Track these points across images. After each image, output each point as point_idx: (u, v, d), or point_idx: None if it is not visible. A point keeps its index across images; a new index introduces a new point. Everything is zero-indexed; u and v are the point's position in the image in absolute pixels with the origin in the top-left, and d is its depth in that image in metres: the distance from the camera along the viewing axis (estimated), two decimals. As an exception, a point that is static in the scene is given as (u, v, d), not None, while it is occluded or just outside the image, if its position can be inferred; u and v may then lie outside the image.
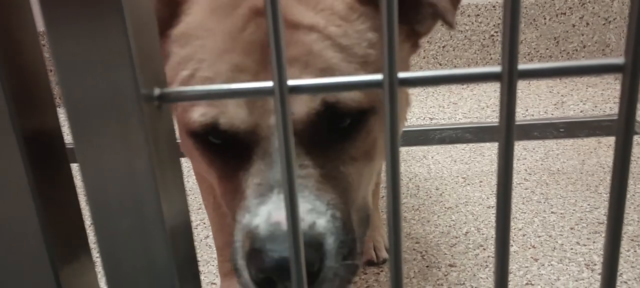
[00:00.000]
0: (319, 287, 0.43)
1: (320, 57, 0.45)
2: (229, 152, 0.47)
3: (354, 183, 0.49)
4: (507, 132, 0.21)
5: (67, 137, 0.26)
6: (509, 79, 0.20)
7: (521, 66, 0.20)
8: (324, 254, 0.43)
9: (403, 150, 1.50)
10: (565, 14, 2.17)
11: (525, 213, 1.08)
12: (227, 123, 0.45)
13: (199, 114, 0.45)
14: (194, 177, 1.40)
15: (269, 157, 0.45)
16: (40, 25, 0.26)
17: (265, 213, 0.43)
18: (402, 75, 0.20)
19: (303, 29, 0.45)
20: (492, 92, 1.89)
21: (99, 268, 0.32)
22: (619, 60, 0.20)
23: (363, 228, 0.51)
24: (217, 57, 0.45)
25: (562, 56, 2.20)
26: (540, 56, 2.20)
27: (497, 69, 0.20)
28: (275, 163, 0.44)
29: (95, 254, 0.33)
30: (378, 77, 0.21)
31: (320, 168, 0.46)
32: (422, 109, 1.84)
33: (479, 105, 1.79)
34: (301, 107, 0.44)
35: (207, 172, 0.54)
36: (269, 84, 0.22)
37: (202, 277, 0.93)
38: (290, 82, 0.21)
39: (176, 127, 0.72)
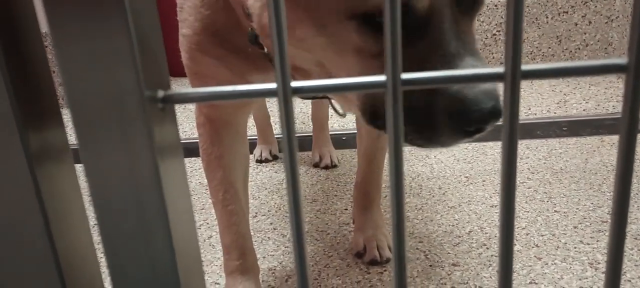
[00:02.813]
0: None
1: None
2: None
3: None
4: (510, 132, 0.21)
5: (71, 138, 0.26)
6: (512, 80, 0.20)
7: (524, 66, 0.20)
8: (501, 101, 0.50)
9: (406, 149, 1.50)
10: (567, 12, 2.16)
11: (528, 212, 1.08)
12: (419, 3, 0.49)
13: None
14: (195, 179, 1.40)
15: (444, 31, 0.50)
16: (43, 26, 0.26)
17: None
18: (405, 76, 0.20)
19: None
20: (494, 90, 1.89)
21: (104, 268, 0.32)
22: (622, 59, 0.20)
23: None
24: None
25: (564, 55, 2.19)
26: (543, 55, 2.20)
27: (500, 69, 0.20)
28: (449, 34, 0.50)
29: (100, 254, 0.33)
30: (381, 78, 0.21)
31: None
32: (425, 108, 1.83)
33: (482, 104, 1.79)
34: None
35: (355, 52, 0.56)
36: (273, 85, 0.22)
37: (205, 277, 0.94)
38: (293, 84, 0.21)
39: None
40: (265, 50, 0.63)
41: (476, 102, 0.49)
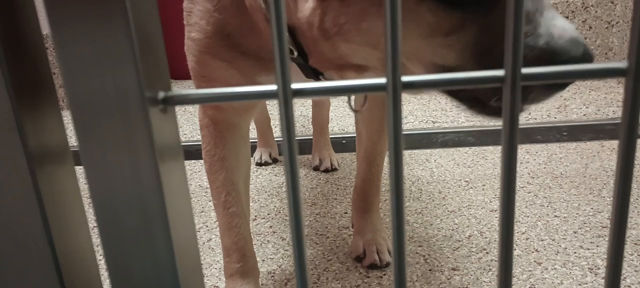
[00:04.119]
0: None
1: None
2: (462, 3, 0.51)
3: None
4: (510, 136, 0.21)
5: (72, 140, 0.26)
6: (512, 83, 0.20)
7: (525, 70, 0.20)
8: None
9: (406, 153, 1.50)
10: (568, 17, 2.16)
11: (528, 216, 1.08)
12: None
13: None
14: (195, 182, 1.40)
15: None
16: (44, 28, 0.26)
17: (560, 28, 0.48)
18: (405, 78, 0.20)
19: None
20: (494, 95, 1.89)
21: (103, 270, 0.32)
22: (622, 63, 0.20)
23: None
24: None
25: (565, 59, 2.19)
26: (543, 59, 2.20)
27: (500, 72, 0.20)
28: None
29: (100, 256, 0.33)
30: (381, 80, 0.21)
31: None
32: (425, 112, 1.84)
33: (482, 108, 1.79)
34: None
35: (428, 33, 0.54)
36: (273, 87, 0.22)
37: (204, 280, 0.94)
38: (294, 86, 0.21)
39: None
40: (294, 54, 0.60)
41: (567, 51, 0.48)
